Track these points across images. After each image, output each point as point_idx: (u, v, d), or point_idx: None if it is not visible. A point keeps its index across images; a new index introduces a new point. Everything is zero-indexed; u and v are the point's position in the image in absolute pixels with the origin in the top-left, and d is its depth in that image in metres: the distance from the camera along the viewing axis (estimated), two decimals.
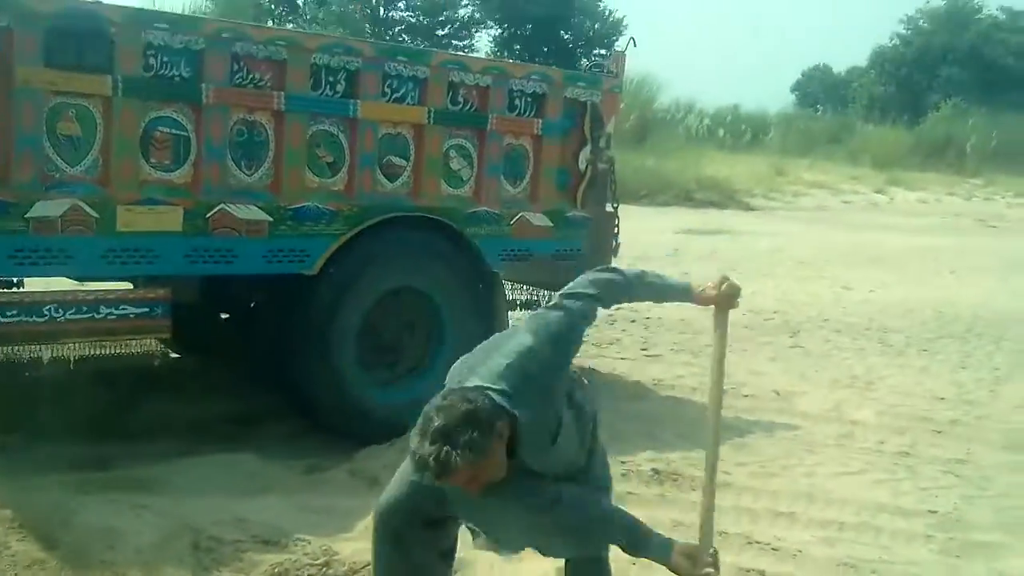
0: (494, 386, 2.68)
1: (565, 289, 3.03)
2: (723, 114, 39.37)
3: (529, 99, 5.87)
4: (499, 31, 39.05)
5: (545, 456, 2.80)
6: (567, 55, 37.25)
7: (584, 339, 3.01)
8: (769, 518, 4.74)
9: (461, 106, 5.61)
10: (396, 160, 5.45)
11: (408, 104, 5.39)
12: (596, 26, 40.03)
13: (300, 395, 5.56)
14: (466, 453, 2.50)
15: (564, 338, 2.87)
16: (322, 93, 5.11)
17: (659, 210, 20.90)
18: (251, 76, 4.87)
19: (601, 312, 3.04)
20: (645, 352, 8.23)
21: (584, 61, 36.38)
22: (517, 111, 5.83)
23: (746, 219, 20.46)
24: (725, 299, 3.16)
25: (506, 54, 36.61)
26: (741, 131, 37.84)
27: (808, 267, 13.80)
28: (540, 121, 5.90)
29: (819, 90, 60.33)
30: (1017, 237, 19.64)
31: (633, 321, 9.36)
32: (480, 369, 2.75)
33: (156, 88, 4.60)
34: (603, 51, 38.55)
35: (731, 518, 4.69)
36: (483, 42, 39.50)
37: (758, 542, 4.41)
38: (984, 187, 30.20)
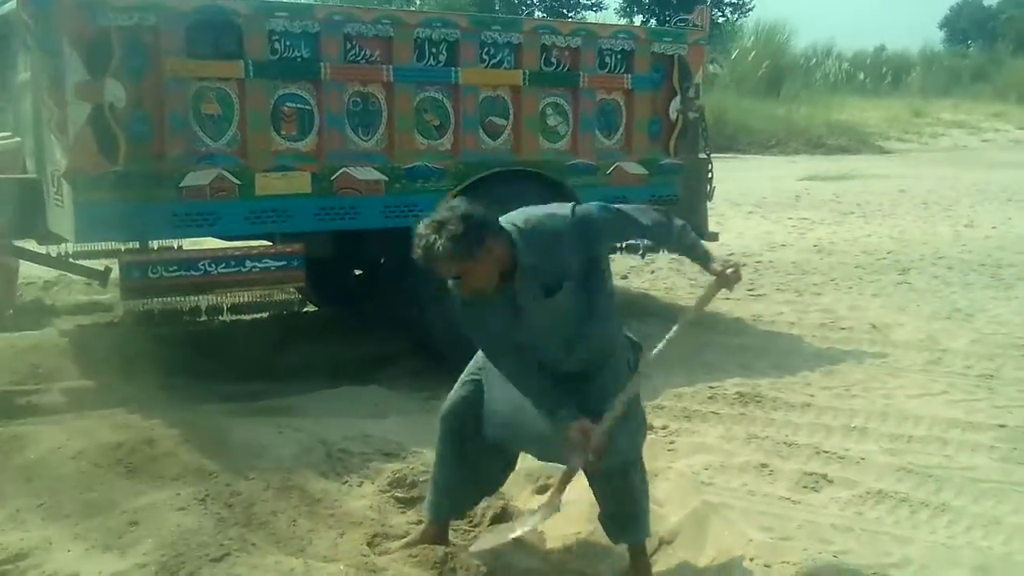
0: (516, 220, 3.22)
1: (626, 206, 3.48)
2: (863, 57, 38.45)
3: (618, 56, 6.36)
4: None
5: (535, 301, 3.25)
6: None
7: (614, 249, 3.52)
8: (842, 432, 5.14)
9: (554, 67, 6.15)
10: (497, 120, 6.04)
11: (505, 68, 5.97)
12: None
13: (420, 336, 6.22)
14: (448, 244, 2.99)
15: (587, 221, 3.27)
16: (426, 63, 5.73)
17: (788, 158, 20.93)
18: (362, 52, 5.53)
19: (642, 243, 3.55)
20: (750, 292, 8.61)
21: (716, 12, 36.06)
22: (607, 68, 6.34)
23: (877, 162, 20.28)
24: (725, 278, 3.54)
25: (634, 10, 36.62)
26: (882, 74, 36.90)
27: (933, 207, 13.79)
28: (630, 76, 6.39)
29: (969, 25, 57.93)
30: None
31: (744, 265, 9.74)
32: (518, 211, 3.30)
33: (281, 69, 5.31)
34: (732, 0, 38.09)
35: (805, 433, 5.14)
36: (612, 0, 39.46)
37: (826, 451, 4.84)
38: None
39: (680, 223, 3.58)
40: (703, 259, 3.60)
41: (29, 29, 4.77)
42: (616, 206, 3.44)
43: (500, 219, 3.22)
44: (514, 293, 3.23)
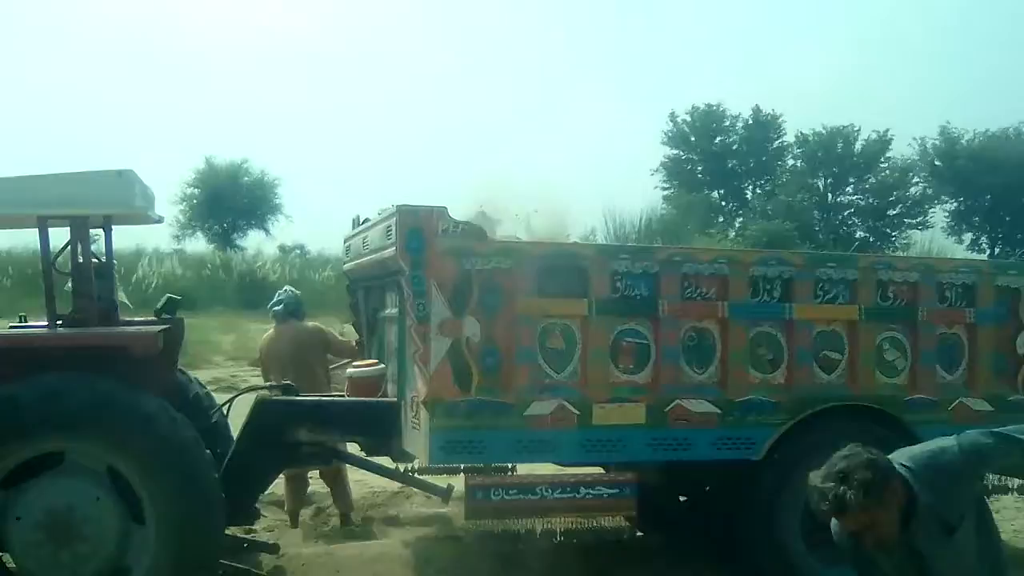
0: (902, 460, 3.13)
1: (1007, 428, 3.33)
2: None
3: (959, 289, 6.21)
4: (955, 204, 37.71)
5: (937, 544, 3.09)
6: None
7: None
8: None
9: (891, 301, 6.09)
10: (831, 354, 6.01)
11: (839, 303, 5.99)
12: None
13: (751, 569, 6.09)
14: (859, 494, 2.91)
15: (978, 453, 3.17)
16: (760, 300, 5.87)
17: None
18: (699, 290, 5.77)
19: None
20: None
21: None
22: (947, 302, 6.20)
23: None
24: None
25: (963, 227, 35.30)
26: None
27: None
28: (972, 310, 6.21)
29: None
30: None
31: None
32: (897, 452, 3.21)
33: (622, 306, 5.64)
34: None
35: None
36: (938, 217, 38.24)
37: None
38: None
39: None
40: None
41: (403, 272, 5.38)
42: (997, 430, 3.31)
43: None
44: (911, 537, 3.12)
